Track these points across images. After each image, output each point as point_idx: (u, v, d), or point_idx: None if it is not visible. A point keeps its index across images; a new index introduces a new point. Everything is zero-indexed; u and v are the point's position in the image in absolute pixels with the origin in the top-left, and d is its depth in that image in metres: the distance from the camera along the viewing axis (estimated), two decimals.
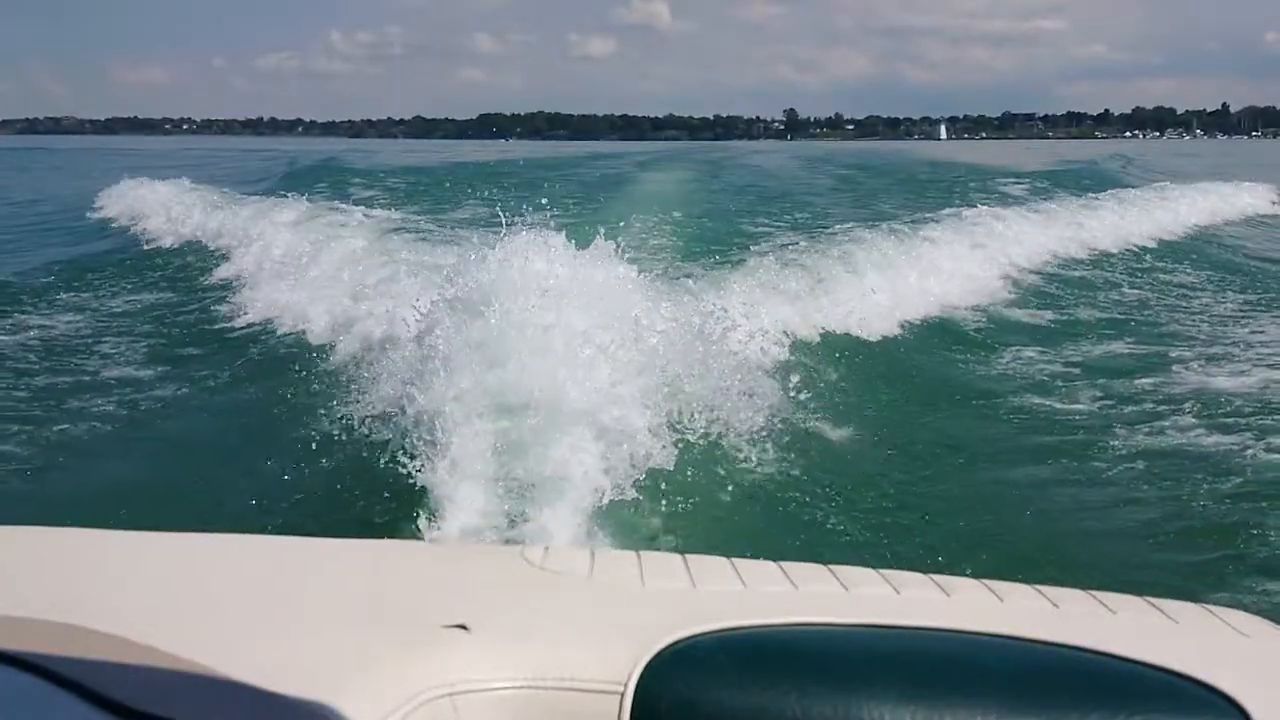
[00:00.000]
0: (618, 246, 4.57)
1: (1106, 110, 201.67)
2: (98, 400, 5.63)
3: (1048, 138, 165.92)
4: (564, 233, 4.45)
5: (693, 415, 4.35)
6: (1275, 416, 5.22)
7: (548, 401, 3.62)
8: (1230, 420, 5.20)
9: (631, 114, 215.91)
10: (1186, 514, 4.03)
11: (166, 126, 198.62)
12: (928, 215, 12.23)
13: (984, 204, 13.01)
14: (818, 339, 6.81)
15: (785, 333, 6.54)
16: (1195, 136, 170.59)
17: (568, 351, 3.78)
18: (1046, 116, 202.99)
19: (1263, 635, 1.11)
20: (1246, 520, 3.88)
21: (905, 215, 13.32)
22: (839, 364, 6.32)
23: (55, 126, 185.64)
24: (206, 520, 3.57)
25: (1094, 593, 1.18)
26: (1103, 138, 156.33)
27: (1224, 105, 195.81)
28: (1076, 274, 10.55)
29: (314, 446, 4.23)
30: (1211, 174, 23.33)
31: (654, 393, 4.06)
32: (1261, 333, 7.74)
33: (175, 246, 11.58)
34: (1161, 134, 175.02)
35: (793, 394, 5.20)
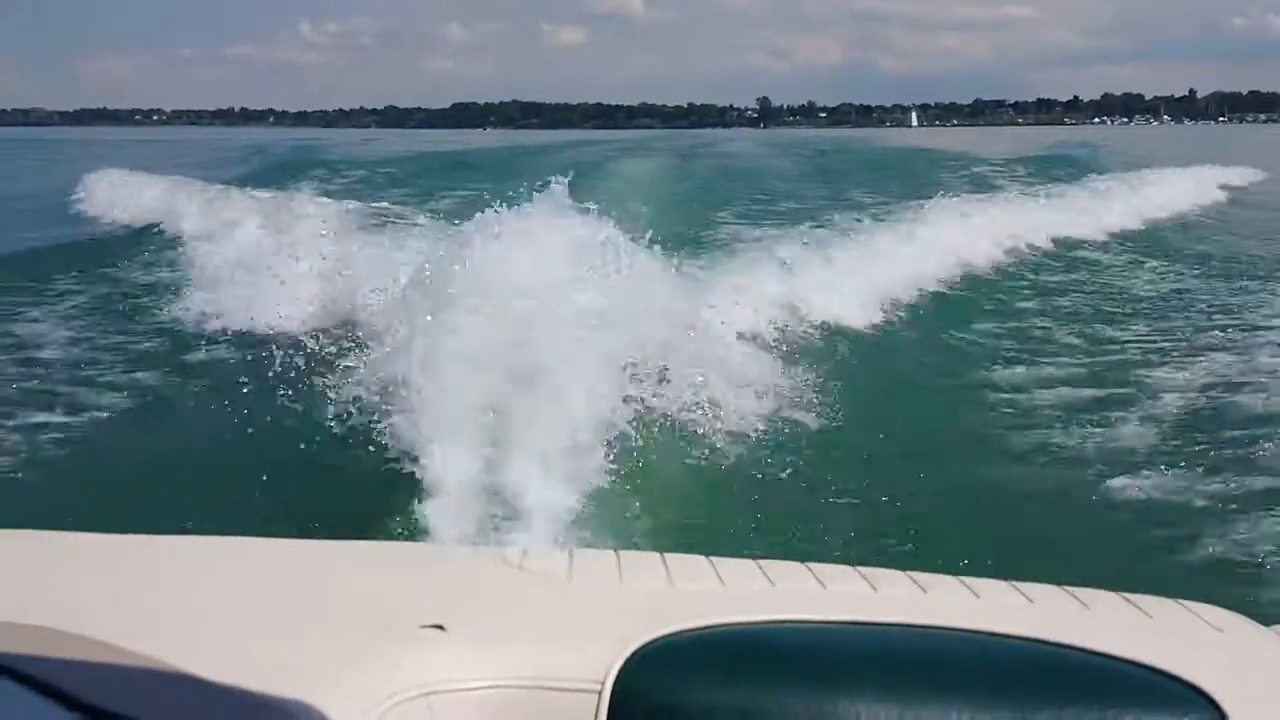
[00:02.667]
0: (605, 236, 4.55)
1: (1076, 97, 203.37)
2: (66, 401, 5.53)
3: (1018, 124, 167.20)
4: (549, 218, 4.42)
5: (670, 412, 4.35)
6: (1225, 403, 5.36)
7: (532, 398, 3.61)
8: (1182, 411, 5.32)
9: (605, 102, 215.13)
10: (1143, 503, 4.13)
11: (136, 118, 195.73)
12: (899, 204, 12.29)
13: (953, 192, 13.07)
14: (792, 328, 6.81)
15: (762, 322, 6.55)
16: (1163, 122, 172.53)
17: (553, 348, 3.76)
18: (1017, 103, 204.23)
19: (1235, 630, 1.12)
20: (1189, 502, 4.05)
21: (876, 203, 13.39)
22: (814, 355, 6.32)
23: (24, 118, 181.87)
24: (181, 522, 3.53)
25: (1068, 588, 1.19)
26: (1071, 124, 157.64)
27: (1191, 91, 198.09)
28: (1041, 261, 10.62)
29: (289, 447, 4.18)
30: (1180, 161, 23.58)
31: (634, 388, 4.05)
32: (1214, 311, 7.90)
33: (148, 237, 11.44)
34: (1130, 120, 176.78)
35: (770, 386, 5.21)
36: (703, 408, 4.50)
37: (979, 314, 8.05)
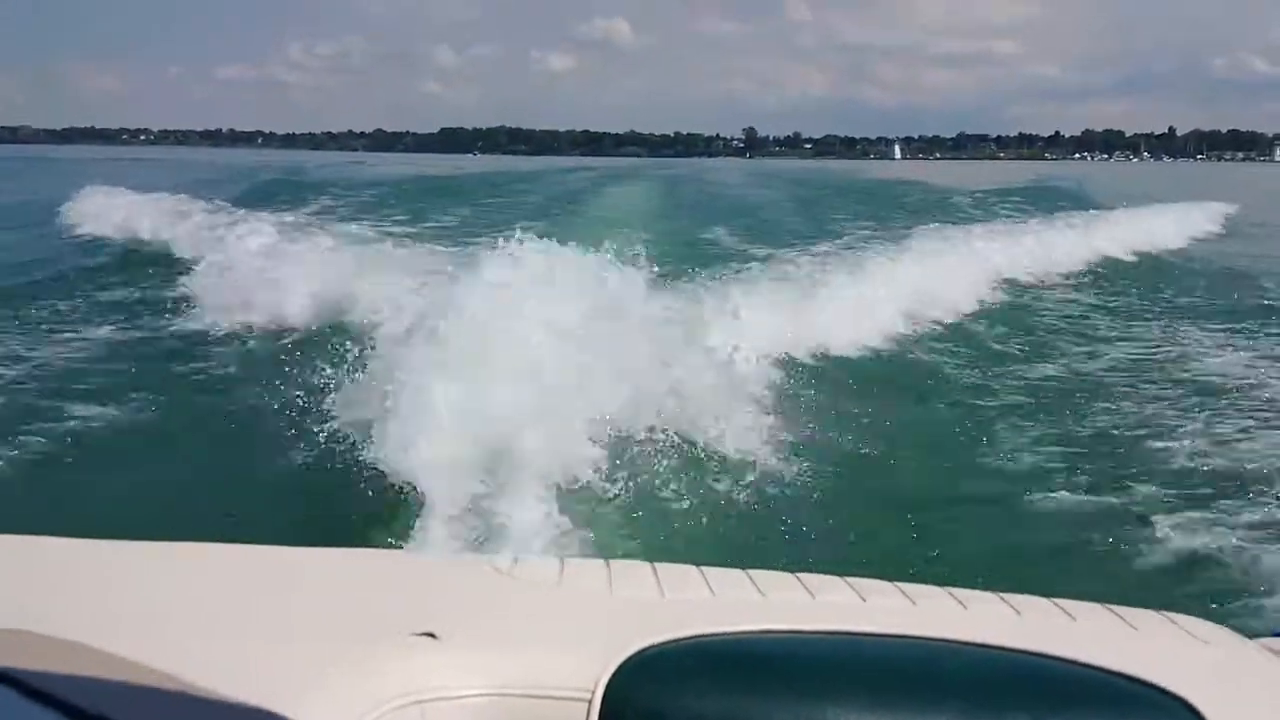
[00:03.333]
0: (602, 259, 4.58)
1: (1057, 132, 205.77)
2: (51, 409, 5.49)
3: (999, 158, 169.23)
4: (541, 243, 4.47)
5: (660, 425, 4.36)
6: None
7: (523, 409, 3.61)
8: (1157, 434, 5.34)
9: (593, 129, 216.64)
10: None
11: (124, 137, 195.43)
12: (884, 234, 12.40)
13: (939, 223, 13.20)
14: (781, 350, 6.85)
15: (752, 344, 6.57)
16: (1142, 159, 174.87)
17: (545, 361, 3.78)
18: (999, 138, 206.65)
19: (1220, 642, 1.13)
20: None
21: (861, 233, 13.51)
22: (803, 375, 6.36)
23: (11, 136, 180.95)
24: (171, 528, 3.49)
25: (1055, 600, 1.20)
26: (1053, 159, 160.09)
27: (1170, 129, 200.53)
28: (1026, 294, 10.70)
29: (282, 454, 4.18)
30: (1163, 197, 23.86)
31: (625, 402, 4.07)
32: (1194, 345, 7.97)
33: (142, 254, 11.41)
34: (1110, 156, 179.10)
35: (760, 404, 5.23)
36: (694, 425, 4.52)
37: (964, 337, 8.14)
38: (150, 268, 10.53)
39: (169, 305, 8.57)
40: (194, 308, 8.26)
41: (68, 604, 1.09)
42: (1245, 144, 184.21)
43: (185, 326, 7.83)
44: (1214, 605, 3.27)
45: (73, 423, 5.28)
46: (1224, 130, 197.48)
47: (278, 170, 28.96)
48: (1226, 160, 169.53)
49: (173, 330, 7.73)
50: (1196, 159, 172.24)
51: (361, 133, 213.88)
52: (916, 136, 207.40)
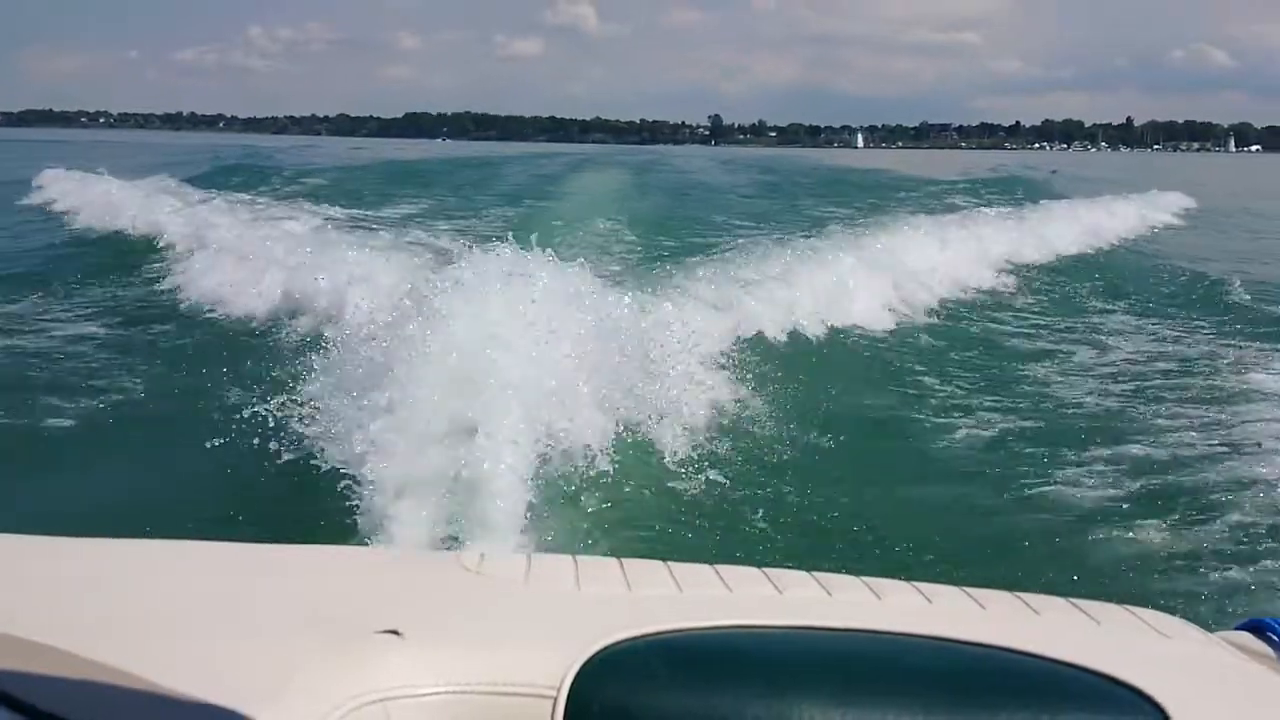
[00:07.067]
0: (568, 255, 4.56)
1: (1018, 122, 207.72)
2: (19, 399, 5.34)
3: (960, 147, 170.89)
4: (510, 237, 4.45)
5: (630, 421, 4.36)
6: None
7: (487, 404, 3.60)
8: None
9: (559, 116, 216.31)
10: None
11: (83, 120, 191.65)
12: (853, 223, 12.44)
13: (905, 212, 13.29)
14: (748, 342, 6.86)
15: (718, 337, 6.58)
16: (1100, 149, 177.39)
17: (509, 353, 3.76)
18: (961, 127, 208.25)
19: (1181, 636, 1.15)
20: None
21: (831, 221, 13.57)
22: (770, 368, 6.35)
23: None
24: (131, 526, 3.43)
25: (1019, 594, 1.21)
26: (1013, 148, 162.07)
27: (1128, 119, 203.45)
28: (991, 284, 10.75)
29: (244, 450, 4.10)
30: (1124, 187, 24.19)
31: (594, 398, 4.06)
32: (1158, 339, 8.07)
33: (103, 239, 11.17)
34: (1068, 146, 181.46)
35: (726, 398, 5.24)
36: (661, 419, 4.52)
37: (929, 330, 8.16)
38: (110, 254, 10.33)
39: (129, 293, 8.42)
40: (154, 295, 8.13)
41: (26, 602, 1.07)
42: (1201, 134, 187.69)
43: (144, 314, 7.70)
44: (1176, 599, 3.32)
45: (33, 414, 5.15)
46: (1180, 121, 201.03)
47: (239, 154, 28.55)
48: (1182, 150, 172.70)
49: (130, 318, 7.59)
50: (1153, 149, 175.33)
51: (325, 117, 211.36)
52: (879, 125, 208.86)
